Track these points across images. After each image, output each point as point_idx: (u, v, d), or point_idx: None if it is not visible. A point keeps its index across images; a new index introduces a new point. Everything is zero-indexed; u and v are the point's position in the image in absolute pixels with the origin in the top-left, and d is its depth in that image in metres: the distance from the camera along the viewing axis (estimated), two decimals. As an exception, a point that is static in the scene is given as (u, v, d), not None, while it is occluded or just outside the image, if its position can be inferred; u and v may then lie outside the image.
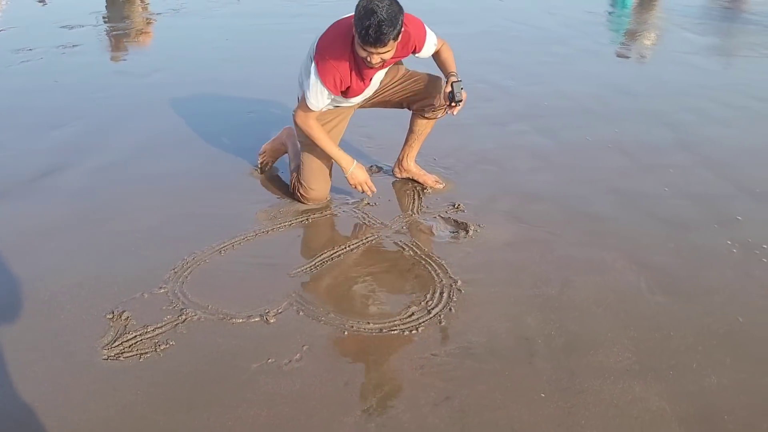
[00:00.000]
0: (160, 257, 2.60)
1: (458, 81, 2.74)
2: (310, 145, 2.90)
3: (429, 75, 2.96)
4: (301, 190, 3.02)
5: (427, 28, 2.75)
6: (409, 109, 3.06)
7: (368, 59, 2.50)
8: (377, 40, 2.37)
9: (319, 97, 2.68)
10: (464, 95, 2.76)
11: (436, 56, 2.87)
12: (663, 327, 2.26)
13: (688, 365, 2.08)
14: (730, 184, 3.32)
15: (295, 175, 3.05)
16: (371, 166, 3.37)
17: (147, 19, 6.97)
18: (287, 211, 2.98)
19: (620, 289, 2.46)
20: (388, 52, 2.48)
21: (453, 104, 2.76)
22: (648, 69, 5.79)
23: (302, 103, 2.75)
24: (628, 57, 6.16)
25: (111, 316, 2.23)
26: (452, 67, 2.84)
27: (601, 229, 2.88)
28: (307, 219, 2.92)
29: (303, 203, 3.02)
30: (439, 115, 3.03)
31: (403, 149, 3.21)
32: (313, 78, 2.63)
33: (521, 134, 3.94)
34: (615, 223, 2.94)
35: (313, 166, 2.96)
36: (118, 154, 3.58)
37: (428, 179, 3.20)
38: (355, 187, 2.89)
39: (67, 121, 4.07)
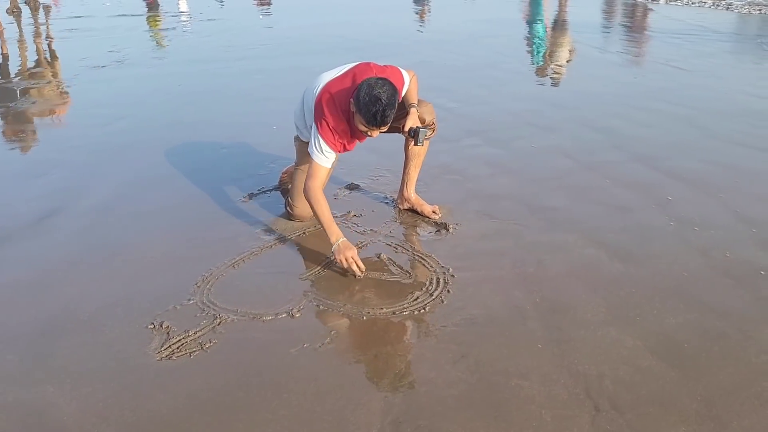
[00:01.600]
0: (179, 276, 2.85)
1: (424, 128, 2.96)
2: (301, 169, 3.24)
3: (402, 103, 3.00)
4: (288, 207, 3.35)
5: (402, 73, 2.97)
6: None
7: (368, 134, 2.82)
8: (382, 123, 2.72)
9: (328, 157, 2.91)
10: (426, 144, 3.07)
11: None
12: (625, 286, 2.71)
13: (650, 312, 2.53)
14: (659, 172, 3.88)
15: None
16: (349, 184, 3.73)
17: (62, 93, 6.55)
18: (284, 228, 3.29)
19: (585, 262, 2.92)
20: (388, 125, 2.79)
21: (411, 139, 3.02)
22: (571, 84, 6.45)
23: (312, 172, 2.93)
24: (552, 75, 6.83)
25: (152, 327, 2.48)
26: (414, 98, 3.01)
27: (560, 218, 3.34)
28: (303, 233, 3.24)
29: (293, 220, 3.33)
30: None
31: (402, 179, 3.39)
32: (319, 143, 2.88)
33: (475, 147, 4.41)
34: (570, 212, 3.42)
35: (300, 188, 3.27)
36: (106, 195, 3.78)
37: (426, 209, 3.34)
38: (340, 263, 2.80)
39: (46, 170, 4.23)
